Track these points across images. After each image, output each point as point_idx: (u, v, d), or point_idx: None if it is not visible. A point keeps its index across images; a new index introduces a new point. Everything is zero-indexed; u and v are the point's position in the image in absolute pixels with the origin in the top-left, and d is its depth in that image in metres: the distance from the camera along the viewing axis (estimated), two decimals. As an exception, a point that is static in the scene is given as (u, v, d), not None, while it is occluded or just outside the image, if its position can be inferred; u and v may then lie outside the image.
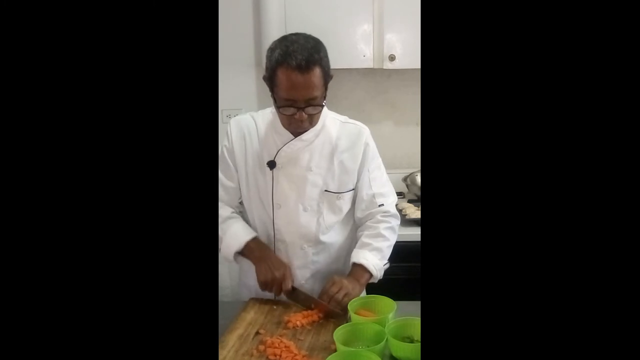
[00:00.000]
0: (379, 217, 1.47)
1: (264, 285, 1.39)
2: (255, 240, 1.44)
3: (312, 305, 1.36)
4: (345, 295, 1.33)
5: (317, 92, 1.27)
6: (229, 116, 2.31)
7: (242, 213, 1.53)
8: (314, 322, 1.30)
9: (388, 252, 1.47)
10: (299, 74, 1.23)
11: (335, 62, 2.34)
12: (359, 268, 1.41)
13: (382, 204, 1.47)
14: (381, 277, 1.45)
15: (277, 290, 1.38)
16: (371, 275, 1.42)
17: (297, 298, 1.39)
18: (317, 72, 1.25)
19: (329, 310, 1.31)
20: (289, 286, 1.37)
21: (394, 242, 1.49)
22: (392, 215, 1.49)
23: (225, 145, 1.45)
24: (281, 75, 1.25)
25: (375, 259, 1.42)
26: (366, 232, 1.47)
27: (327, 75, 1.30)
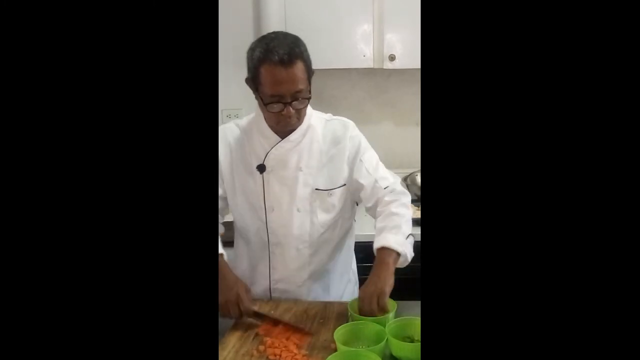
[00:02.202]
0: (387, 198, 1.41)
1: (220, 309, 1.28)
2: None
3: (278, 324, 1.29)
4: (380, 296, 1.24)
5: (302, 85, 1.27)
6: (228, 116, 2.31)
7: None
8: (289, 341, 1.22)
9: (407, 227, 1.37)
10: (282, 68, 1.23)
11: (335, 62, 2.35)
12: (383, 251, 1.31)
13: (387, 186, 1.42)
14: (412, 254, 1.34)
15: (235, 312, 1.28)
16: (397, 253, 1.30)
17: (260, 319, 1.31)
18: (299, 65, 1.25)
19: (296, 327, 1.26)
20: (250, 307, 1.29)
21: (410, 216, 1.40)
22: (400, 193, 1.42)
23: None
24: (265, 72, 1.25)
25: (396, 237, 1.32)
26: (379, 218, 1.40)
27: (309, 70, 1.30)
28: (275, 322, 1.29)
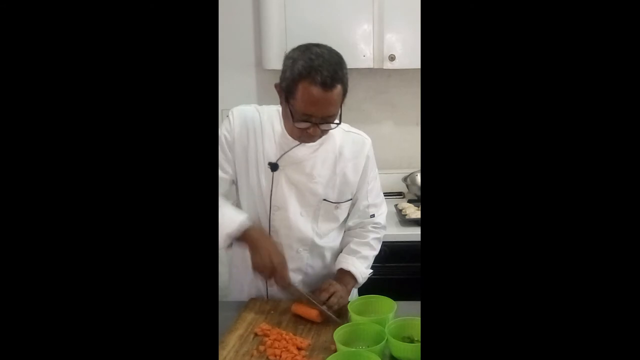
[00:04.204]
0: (369, 227, 1.50)
1: (260, 268, 1.33)
2: (254, 226, 1.37)
3: (305, 302, 1.34)
4: (340, 298, 1.34)
5: (335, 110, 1.25)
6: (228, 116, 2.31)
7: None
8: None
9: (372, 261, 1.51)
10: (322, 90, 1.19)
11: (335, 62, 2.31)
12: (347, 275, 1.44)
13: (374, 215, 1.50)
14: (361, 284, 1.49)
15: (270, 276, 1.33)
16: (356, 282, 1.45)
17: (292, 293, 1.38)
18: (338, 89, 1.22)
19: (322, 312, 1.30)
20: (289, 278, 1.33)
21: (377, 252, 1.54)
22: (382, 227, 1.53)
23: (225, 135, 1.39)
24: (302, 89, 1.21)
25: (362, 267, 1.46)
26: (355, 239, 1.50)
27: (345, 92, 1.26)
28: (305, 301, 1.34)
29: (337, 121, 1.28)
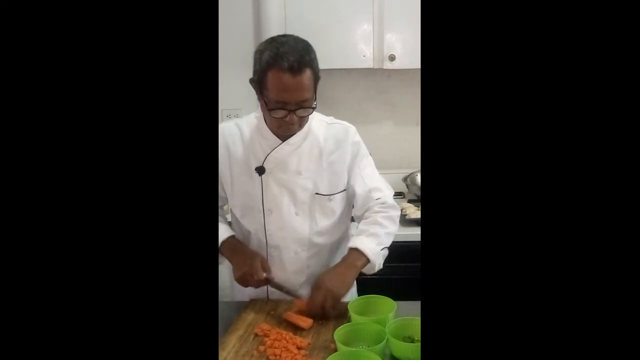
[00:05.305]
0: (376, 208, 1.43)
1: (239, 281, 1.38)
2: (230, 239, 1.44)
3: (285, 290, 1.39)
4: (333, 299, 1.29)
5: (308, 94, 1.26)
6: (228, 116, 2.32)
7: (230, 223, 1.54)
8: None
9: (387, 240, 1.42)
10: (290, 76, 1.21)
11: (335, 62, 2.35)
12: (355, 252, 1.36)
13: (379, 197, 1.44)
14: (381, 266, 1.40)
15: (253, 282, 1.36)
16: (368, 260, 1.35)
17: (274, 287, 1.41)
18: (308, 73, 1.24)
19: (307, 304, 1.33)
20: (261, 276, 1.35)
21: (393, 231, 1.44)
22: (390, 206, 1.44)
23: None
24: (272, 78, 1.23)
25: (371, 244, 1.37)
26: (363, 221, 1.44)
27: (316, 77, 1.28)
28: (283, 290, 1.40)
29: (313, 105, 1.28)
